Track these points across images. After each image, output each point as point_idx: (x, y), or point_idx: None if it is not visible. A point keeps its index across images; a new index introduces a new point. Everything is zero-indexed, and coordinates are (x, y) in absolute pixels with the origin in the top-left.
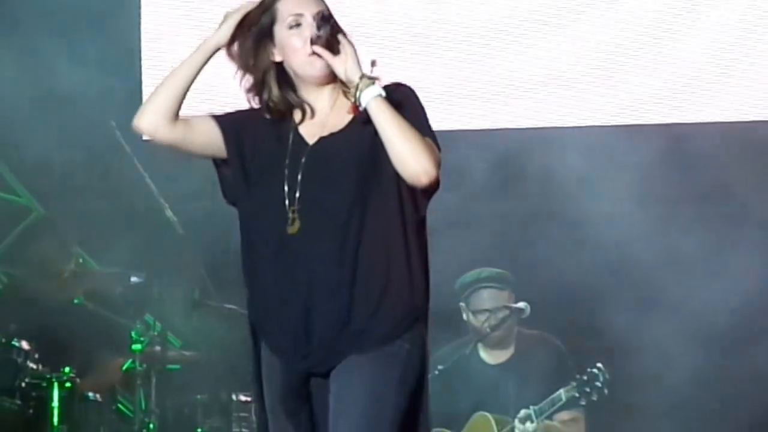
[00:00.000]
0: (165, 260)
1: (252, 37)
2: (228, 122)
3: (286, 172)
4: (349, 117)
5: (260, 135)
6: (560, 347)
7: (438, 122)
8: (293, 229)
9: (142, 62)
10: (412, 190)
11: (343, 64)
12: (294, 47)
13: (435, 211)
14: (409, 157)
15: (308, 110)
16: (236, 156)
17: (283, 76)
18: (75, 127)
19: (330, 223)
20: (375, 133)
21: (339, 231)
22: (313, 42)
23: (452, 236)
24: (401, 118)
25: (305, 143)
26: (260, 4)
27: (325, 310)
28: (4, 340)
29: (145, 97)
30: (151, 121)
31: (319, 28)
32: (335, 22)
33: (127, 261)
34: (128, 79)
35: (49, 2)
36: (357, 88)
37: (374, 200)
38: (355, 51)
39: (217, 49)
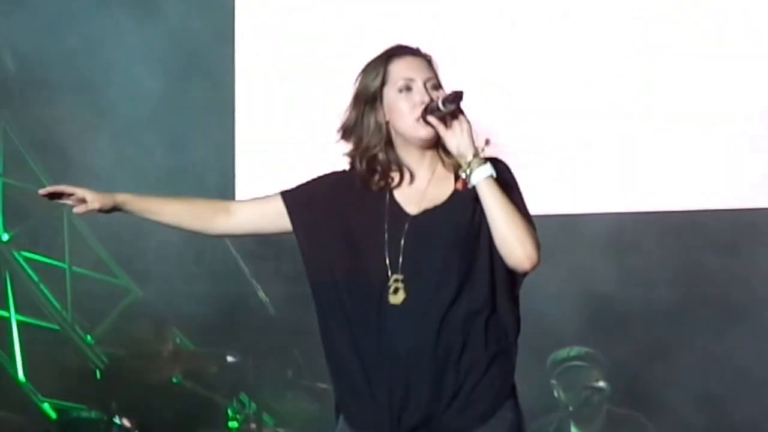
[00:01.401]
0: (258, 341)
1: (363, 98)
2: (296, 197)
3: (386, 239)
4: (450, 189)
5: (352, 201)
6: (649, 427)
7: None
8: (396, 299)
9: (236, 137)
10: (508, 268)
11: (456, 139)
12: (402, 111)
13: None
14: (515, 244)
15: (407, 175)
16: (312, 227)
17: (387, 138)
18: None
19: (435, 294)
20: (475, 207)
21: (444, 303)
22: (430, 111)
23: None
24: (509, 202)
25: (405, 212)
26: (373, 66)
27: (427, 384)
28: (106, 418)
29: (237, 167)
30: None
31: (444, 104)
32: (460, 99)
33: (221, 341)
34: (222, 157)
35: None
36: (469, 165)
37: (474, 274)
38: (470, 128)
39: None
